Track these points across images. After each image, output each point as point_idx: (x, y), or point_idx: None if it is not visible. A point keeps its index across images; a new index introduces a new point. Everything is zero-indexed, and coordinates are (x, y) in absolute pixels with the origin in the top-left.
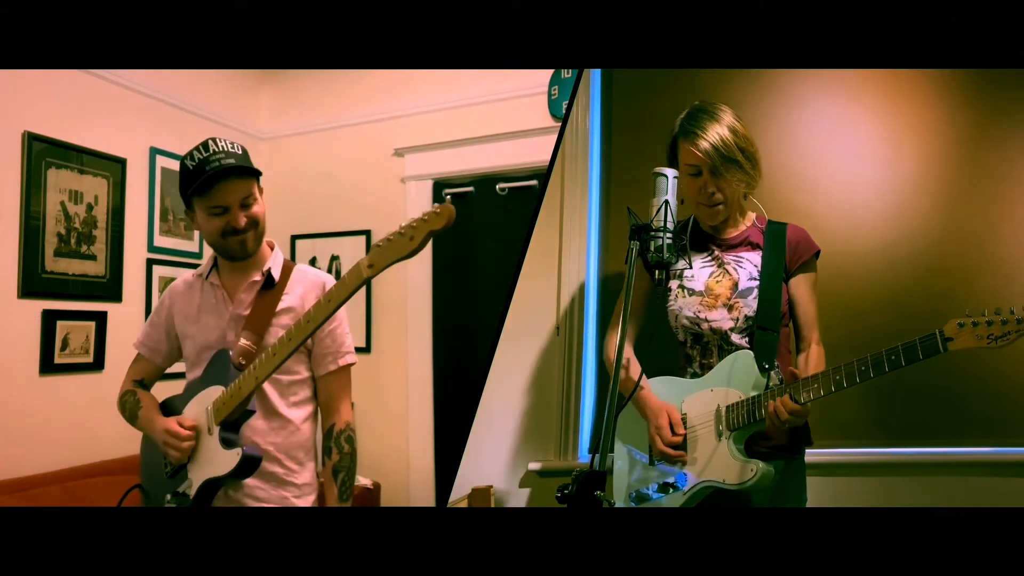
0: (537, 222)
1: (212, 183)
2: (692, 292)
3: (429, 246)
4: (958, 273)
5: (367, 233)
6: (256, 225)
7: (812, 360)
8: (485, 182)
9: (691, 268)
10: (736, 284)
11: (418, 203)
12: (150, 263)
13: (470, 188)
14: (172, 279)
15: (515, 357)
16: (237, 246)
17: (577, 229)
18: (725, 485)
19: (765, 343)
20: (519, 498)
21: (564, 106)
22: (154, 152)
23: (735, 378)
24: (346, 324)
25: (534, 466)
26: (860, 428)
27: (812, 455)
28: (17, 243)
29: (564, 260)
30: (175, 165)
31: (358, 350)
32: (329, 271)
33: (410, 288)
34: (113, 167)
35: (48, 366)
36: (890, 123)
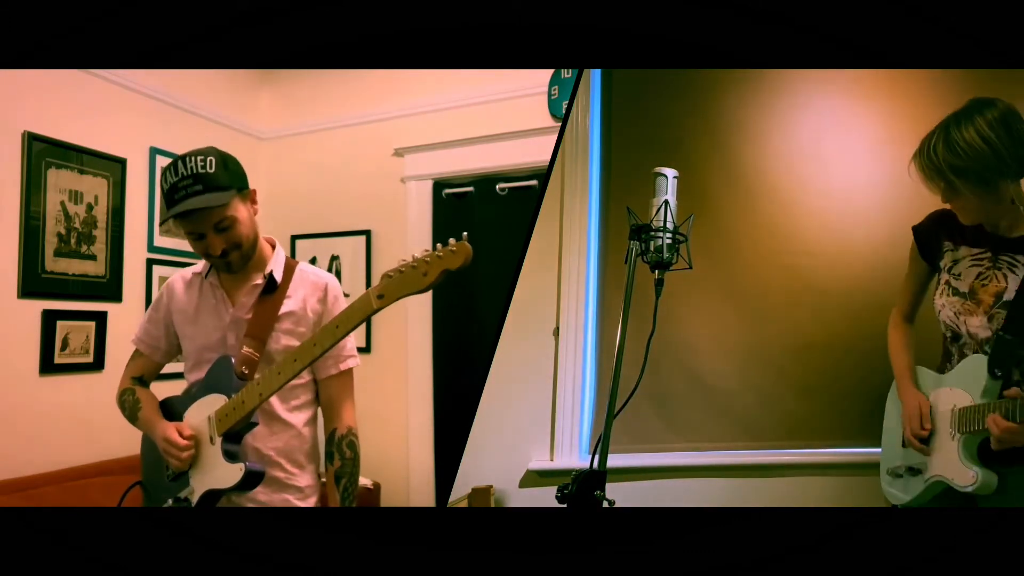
0: (537, 222)
1: (179, 216)
2: (956, 292)
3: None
4: None
5: (367, 233)
6: (239, 246)
7: None
8: (485, 182)
9: (958, 263)
10: (1002, 292)
11: (418, 203)
12: (150, 263)
13: (470, 188)
14: None
15: (515, 357)
16: (223, 266)
17: (577, 229)
18: (955, 484)
19: (1002, 347)
20: (519, 498)
21: (564, 106)
22: (154, 152)
23: (967, 381)
24: None
25: (534, 466)
26: (860, 428)
27: (812, 455)
28: (17, 243)
29: (564, 259)
30: None
31: (358, 350)
32: (329, 271)
33: None
34: (113, 167)
35: (48, 366)
36: (890, 123)
